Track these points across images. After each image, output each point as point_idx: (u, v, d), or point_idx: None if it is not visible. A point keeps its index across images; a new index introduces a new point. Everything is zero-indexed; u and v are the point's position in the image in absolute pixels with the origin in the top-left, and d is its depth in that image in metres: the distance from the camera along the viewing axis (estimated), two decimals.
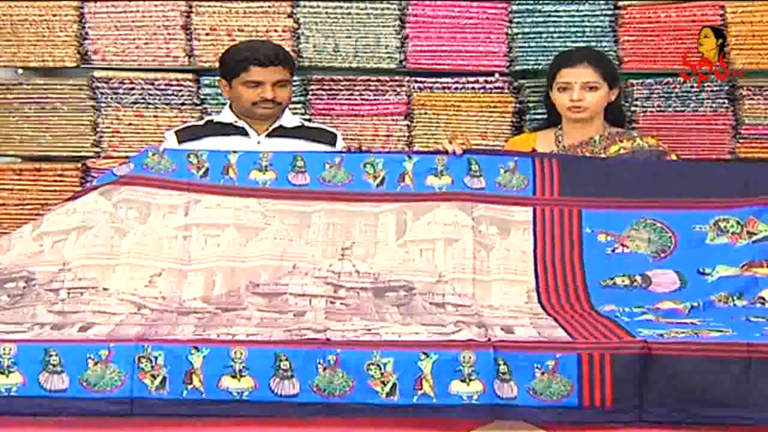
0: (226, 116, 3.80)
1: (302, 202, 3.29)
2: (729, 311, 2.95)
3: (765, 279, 3.09)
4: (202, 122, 3.90)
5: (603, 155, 3.62)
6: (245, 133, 3.74)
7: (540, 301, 3.06)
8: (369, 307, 2.98)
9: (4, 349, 2.42)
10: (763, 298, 3.03)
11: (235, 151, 3.39)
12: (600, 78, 3.63)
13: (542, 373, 2.46)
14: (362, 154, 3.44)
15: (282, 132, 3.76)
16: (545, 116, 3.97)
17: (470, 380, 2.46)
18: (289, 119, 3.80)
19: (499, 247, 3.21)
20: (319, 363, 2.45)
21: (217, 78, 3.90)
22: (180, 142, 3.71)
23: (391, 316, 2.90)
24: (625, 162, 3.55)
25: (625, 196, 3.30)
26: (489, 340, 2.54)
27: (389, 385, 2.46)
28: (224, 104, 3.89)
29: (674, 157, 3.66)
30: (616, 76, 3.74)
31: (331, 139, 3.81)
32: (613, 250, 3.20)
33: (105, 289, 3.03)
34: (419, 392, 2.46)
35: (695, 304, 2.98)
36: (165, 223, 3.23)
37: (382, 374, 2.45)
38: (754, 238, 3.19)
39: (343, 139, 3.98)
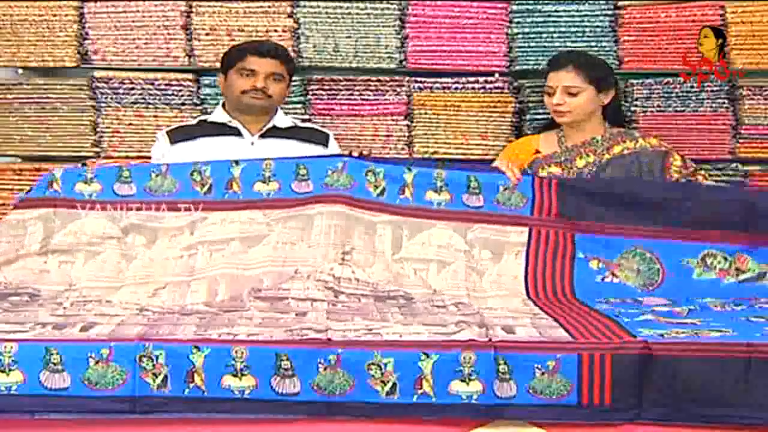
0: (219, 116, 3.80)
1: (304, 207, 3.29)
2: (728, 313, 2.95)
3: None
4: (194, 122, 3.89)
5: (607, 155, 3.64)
6: (239, 134, 3.74)
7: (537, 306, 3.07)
8: (370, 308, 2.98)
9: (5, 348, 2.42)
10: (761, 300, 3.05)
11: (236, 162, 3.36)
12: (583, 82, 3.65)
13: (542, 373, 2.46)
14: (364, 162, 3.42)
15: (275, 132, 3.77)
16: (546, 117, 3.99)
17: (470, 380, 2.46)
18: (282, 119, 3.81)
19: (490, 272, 3.23)
20: (320, 362, 2.45)
21: (216, 78, 3.91)
22: (172, 142, 3.72)
23: (392, 315, 2.90)
24: (624, 181, 3.55)
25: (620, 222, 3.30)
26: (490, 340, 2.54)
27: (389, 385, 2.46)
28: None
29: (677, 157, 3.65)
30: (606, 79, 3.75)
31: (323, 140, 3.83)
32: (603, 279, 3.23)
33: (108, 301, 3.04)
34: (419, 391, 2.46)
35: (692, 307, 2.99)
36: (171, 244, 3.24)
37: (382, 374, 2.46)
38: (741, 277, 3.21)
39: (343, 139, 3.99)
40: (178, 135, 3.77)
